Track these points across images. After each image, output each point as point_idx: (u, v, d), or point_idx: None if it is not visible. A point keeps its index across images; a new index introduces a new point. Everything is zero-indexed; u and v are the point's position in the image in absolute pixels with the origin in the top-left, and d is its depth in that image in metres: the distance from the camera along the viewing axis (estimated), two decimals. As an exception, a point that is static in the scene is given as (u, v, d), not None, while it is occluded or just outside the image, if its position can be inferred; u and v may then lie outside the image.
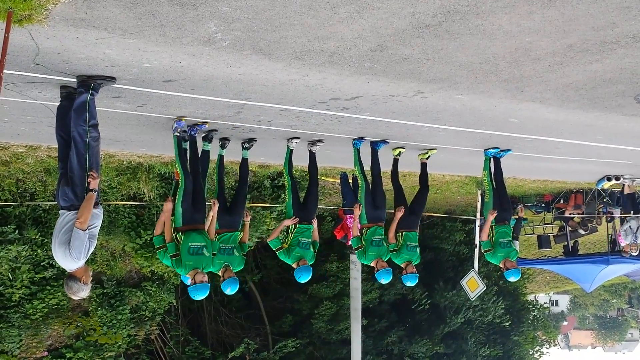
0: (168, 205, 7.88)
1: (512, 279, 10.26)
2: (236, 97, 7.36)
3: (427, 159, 11.03)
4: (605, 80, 6.84)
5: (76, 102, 6.43)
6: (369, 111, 8.21)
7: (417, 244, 10.15)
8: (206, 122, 8.58)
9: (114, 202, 12.36)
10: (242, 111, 8.00)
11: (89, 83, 6.33)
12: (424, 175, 11.04)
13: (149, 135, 9.70)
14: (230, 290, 8.39)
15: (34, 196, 11.66)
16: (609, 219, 18.81)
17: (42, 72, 6.14)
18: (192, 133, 8.69)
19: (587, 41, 5.69)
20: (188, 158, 8.67)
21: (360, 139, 9.87)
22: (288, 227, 9.41)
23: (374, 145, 10.09)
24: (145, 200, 12.85)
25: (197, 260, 7.78)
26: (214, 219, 8.46)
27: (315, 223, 9.57)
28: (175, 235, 7.86)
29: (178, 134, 8.42)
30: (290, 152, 9.96)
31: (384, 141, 10.05)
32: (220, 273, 8.52)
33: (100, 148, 6.77)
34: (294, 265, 9.21)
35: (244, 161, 9.85)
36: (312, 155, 10.14)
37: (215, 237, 8.65)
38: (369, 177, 10.12)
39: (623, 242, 16.76)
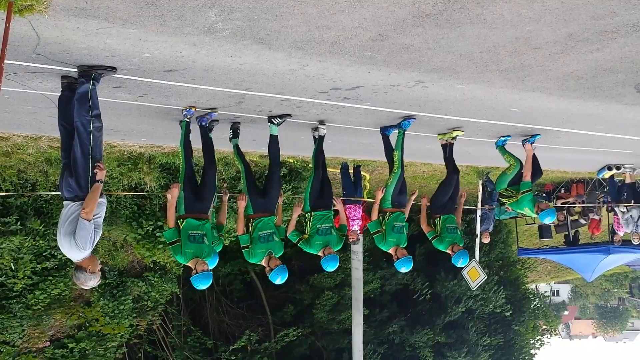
0: (174, 192, 7.80)
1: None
2: (237, 87, 7.36)
3: (453, 139, 10.48)
4: (605, 69, 6.85)
5: (78, 93, 6.44)
6: (369, 101, 8.21)
7: (456, 225, 10.02)
8: (215, 110, 8.43)
9: (115, 192, 12.37)
10: (243, 101, 8.01)
11: (90, 73, 6.34)
12: (450, 157, 10.54)
13: (150, 126, 9.71)
14: (280, 279, 8.11)
15: (35, 187, 11.67)
16: (609, 208, 18.82)
17: (42, 62, 6.15)
18: (203, 123, 8.57)
19: (588, 30, 5.69)
20: (202, 148, 8.61)
21: (409, 118, 9.24)
22: (305, 216, 9.15)
23: (402, 126, 9.45)
24: (147, 191, 12.86)
25: (198, 248, 7.68)
26: (224, 209, 8.49)
27: (339, 204, 9.35)
28: (177, 222, 7.80)
29: (188, 120, 8.31)
30: (320, 141, 9.53)
31: (410, 118, 9.31)
32: (264, 263, 8.26)
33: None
34: (320, 254, 8.91)
35: (273, 139, 9.09)
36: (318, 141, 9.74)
37: (252, 224, 8.46)
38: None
39: (621, 231, 16.77)
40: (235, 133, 9.33)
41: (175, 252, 7.74)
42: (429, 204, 10.28)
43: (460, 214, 10.44)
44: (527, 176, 10.43)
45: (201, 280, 7.61)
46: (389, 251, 9.49)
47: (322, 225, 9.00)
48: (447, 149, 10.51)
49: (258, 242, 8.30)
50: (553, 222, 10.69)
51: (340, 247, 9.14)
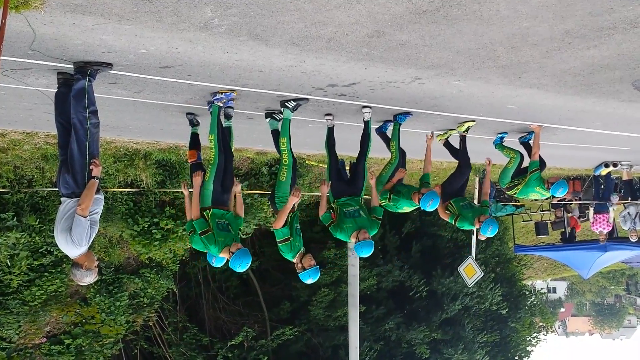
0: (197, 180, 7.63)
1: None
2: (233, 84, 7.35)
3: (465, 132, 10.34)
4: (602, 66, 6.85)
5: (74, 89, 6.42)
6: (366, 97, 8.20)
7: (468, 201, 9.93)
8: (234, 90, 7.81)
9: (111, 189, 12.36)
10: (239, 97, 7.99)
11: (86, 69, 6.33)
12: (465, 150, 10.44)
13: (147, 122, 9.70)
14: (312, 280, 7.95)
15: (31, 183, 11.66)
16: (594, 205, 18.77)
17: (38, 58, 6.13)
18: (215, 100, 7.95)
19: (585, 27, 5.68)
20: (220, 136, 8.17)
21: (406, 113, 9.37)
22: (332, 206, 8.72)
23: (398, 120, 9.53)
24: (143, 187, 12.85)
25: (227, 236, 7.46)
26: (239, 198, 8.28)
27: (372, 180, 9.05)
28: (203, 212, 7.59)
29: (221, 105, 7.84)
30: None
31: (406, 113, 9.42)
32: (296, 260, 7.96)
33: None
34: (352, 240, 8.42)
35: (285, 123, 8.43)
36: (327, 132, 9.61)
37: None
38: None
39: (596, 229, 16.77)
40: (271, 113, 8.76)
41: (209, 242, 7.43)
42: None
43: (488, 184, 10.41)
44: (535, 154, 10.27)
45: (241, 258, 7.28)
46: (413, 198, 9.22)
47: (349, 209, 8.58)
48: (461, 142, 10.46)
49: (296, 235, 8.08)
50: (565, 195, 10.46)
51: (375, 231, 8.65)
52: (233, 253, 7.29)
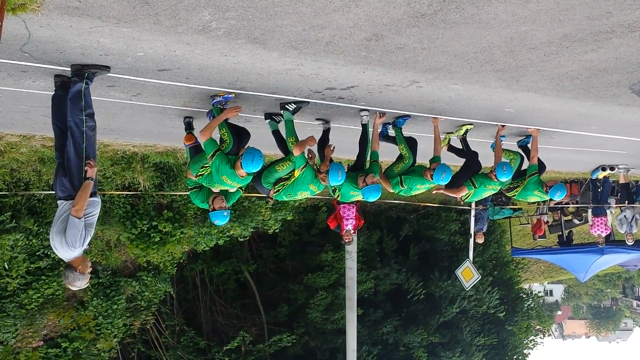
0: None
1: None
2: (231, 87, 7.35)
3: (464, 135, 10.46)
4: (600, 69, 6.85)
5: (71, 92, 6.41)
6: (364, 101, 8.20)
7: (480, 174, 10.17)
8: (232, 93, 7.78)
9: (108, 192, 12.33)
10: (237, 101, 7.98)
11: (83, 72, 6.31)
12: (470, 151, 10.59)
13: (144, 125, 9.68)
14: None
15: (28, 186, 11.63)
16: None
17: (35, 61, 6.12)
18: (217, 105, 8.00)
19: (583, 31, 5.69)
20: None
21: (404, 116, 9.37)
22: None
23: (397, 124, 9.60)
24: (140, 190, 12.82)
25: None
26: None
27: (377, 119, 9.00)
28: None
29: (221, 107, 7.89)
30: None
31: (404, 116, 9.43)
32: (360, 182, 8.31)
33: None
34: (360, 184, 8.39)
35: (288, 123, 8.44)
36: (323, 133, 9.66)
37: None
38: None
39: (595, 232, 16.75)
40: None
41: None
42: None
43: (500, 148, 10.34)
44: (534, 157, 10.29)
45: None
46: (425, 175, 9.26)
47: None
48: (463, 144, 10.53)
49: None
50: (563, 198, 10.51)
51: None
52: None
